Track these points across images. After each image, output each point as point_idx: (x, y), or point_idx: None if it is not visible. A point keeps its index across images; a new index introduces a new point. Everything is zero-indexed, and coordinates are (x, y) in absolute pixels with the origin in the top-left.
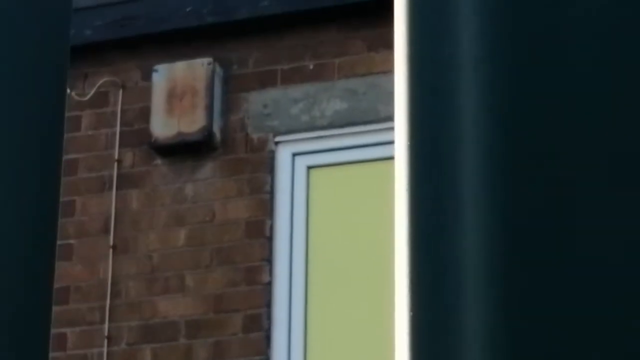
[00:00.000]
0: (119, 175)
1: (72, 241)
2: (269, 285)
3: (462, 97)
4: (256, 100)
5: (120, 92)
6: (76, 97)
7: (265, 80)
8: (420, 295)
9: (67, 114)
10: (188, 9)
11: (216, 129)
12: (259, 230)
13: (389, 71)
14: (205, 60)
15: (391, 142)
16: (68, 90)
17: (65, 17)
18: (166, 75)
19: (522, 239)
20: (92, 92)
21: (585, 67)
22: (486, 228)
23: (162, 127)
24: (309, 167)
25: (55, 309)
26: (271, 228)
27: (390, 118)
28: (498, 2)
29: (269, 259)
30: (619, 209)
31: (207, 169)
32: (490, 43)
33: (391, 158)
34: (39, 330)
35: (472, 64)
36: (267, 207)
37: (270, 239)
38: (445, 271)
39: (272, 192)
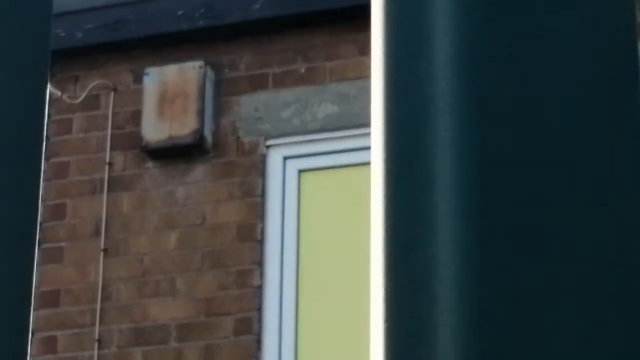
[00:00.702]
0: (110, 178)
1: (62, 244)
2: (259, 288)
3: (438, 104)
4: (247, 104)
5: (112, 95)
6: (67, 100)
7: (257, 84)
8: (394, 306)
9: (58, 117)
10: (179, 13)
11: (207, 132)
12: (250, 234)
13: None
14: (197, 63)
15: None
16: (59, 93)
17: (45, 16)
18: (157, 78)
19: (498, 249)
20: (84, 95)
21: (565, 81)
22: (461, 237)
23: (153, 130)
24: (300, 171)
25: (45, 312)
26: (262, 231)
27: None
28: (474, 7)
29: (259, 262)
30: (599, 214)
31: (198, 172)
32: (468, 47)
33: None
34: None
35: (449, 70)
36: (258, 211)
37: (261, 243)
38: (419, 281)
39: (263, 196)
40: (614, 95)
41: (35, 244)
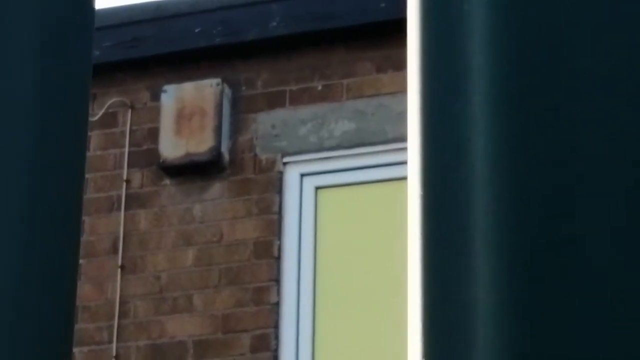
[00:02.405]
0: (127, 196)
1: (80, 261)
2: (276, 305)
3: (475, 119)
4: (264, 121)
5: (129, 112)
6: None
7: (274, 101)
8: (432, 340)
9: None
10: (197, 30)
11: (224, 149)
12: (267, 251)
13: (397, 92)
14: (214, 81)
15: (399, 163)
16: None
17: (87, 37)
18: (175, 95)
19: (535, 276)
20: (101, 112)
21: (594, 96)
22: (497, 271)
23: (170, 147)
24: (317, 188)
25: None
26: (279, 248)
27: (398, 139)
28: (510, 17)
29: (277, 279)
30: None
31: (216, 190)
32: (503, 64)
33: (399, 179)
34: (62, 348)
35: (485, 109)
36: (275, 228)
37: (278, 259)
38: (457, 316)
39: (280, 213)
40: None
41: (78, 257)
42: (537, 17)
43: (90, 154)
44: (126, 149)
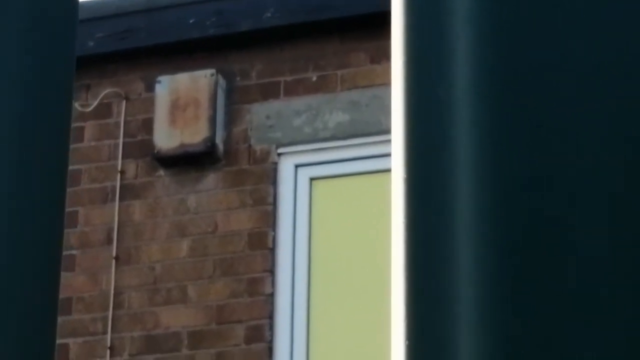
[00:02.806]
0: (121, 186)
1: (74, 252)
2: (271, 296)
3: (458, 110)
4: (259, 112)
5: (124, 103)
6: (79, 108)
7: (268, 92)
8: (416, 325)
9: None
10: (191, 21)
11: (219, 140)
12: (262, 242)
13: (391, 83)
14: (208, 71)
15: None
16: None
17: (70, 27)
18: (169, 86)
19: (519, 261)
20: (95, 103)
21: (581, 97)
22: (481, 256)
23: (165, 138)
24: (312, 179)
25: (58, 319)
26: (274, 239)
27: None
28: (493, 14)
29: (271, 270)
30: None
31: (210, 180)
32: (487, 53)
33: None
34: (45, 340)
35: (469, 77)
36: (269, 219)
37: (272, 250)
38: (440, 299)
39: (274, 204)
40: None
41: (61, 248)
42: (521, 0)
43: (84, 144)
44: (120, 140)
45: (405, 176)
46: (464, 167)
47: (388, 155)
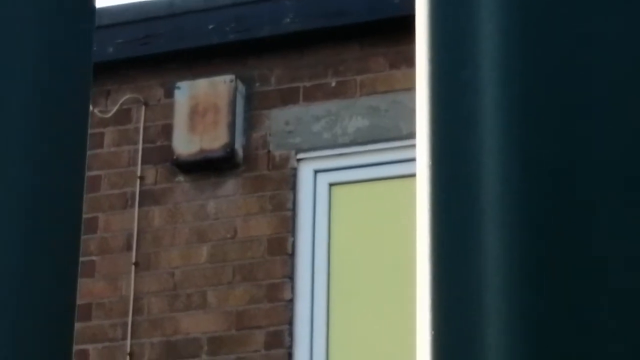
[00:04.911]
0: (141, 192)
1: (94, 258)
2: (290, 302)
3: (484, 112)
4: (278, 118)
5: (143, 109)
6: (99, 114)
7: (288, 98)
8: (442, 315)
9: (89, 131)
10: (210, 27)
11: (238, 146)
12: (281, 247)
13: (411, 88)
14: (228, 77)
15: (413, 160)
16: (91, 108)
17: (88, 33)
18: (188, 92)
19: (544, 256)
20: (115, 109)
21: (607, 81)
22: (508, 244)
23: (184, 144)
24: (331, 184)
25: (77, 325)
26: (293, 245)
27: (412, 135)
28: (520, 15)
29: (290, 276)
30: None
31: (229, 186)
32: (513, 30)
33: (413, 175)
34: (62, 345)
35: (494, 53)
36: (289, 224)
37: (292, 256)
38: (466, 290)
39: (294, 209)
40: None
41: (78, 255)
42: None
43: (104, 150)
44: (140, 146)
45: (430, 163)
46: (491, 152)
47: (407, 160)
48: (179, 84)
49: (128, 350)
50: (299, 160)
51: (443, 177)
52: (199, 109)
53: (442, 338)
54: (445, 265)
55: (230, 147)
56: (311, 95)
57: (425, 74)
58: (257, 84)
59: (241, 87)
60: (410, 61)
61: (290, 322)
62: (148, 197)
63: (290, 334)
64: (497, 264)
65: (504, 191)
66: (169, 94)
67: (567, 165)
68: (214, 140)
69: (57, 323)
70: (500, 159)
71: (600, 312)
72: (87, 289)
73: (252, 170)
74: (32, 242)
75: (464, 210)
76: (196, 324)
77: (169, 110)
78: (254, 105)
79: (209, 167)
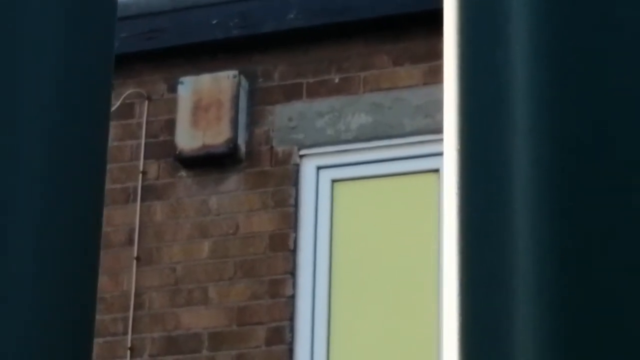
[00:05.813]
0: (143, 187)
1: None
2: (292, 298)
3: (515, 68)
4: (281, 113)
5: (146, 103)
6: None
7: (291, 94)
8: (470, 303)
9: None
10: (214, 22)
11: (241, 141)
12: (283, 243)
13: (415, 85)
14: (231, 73)
15: (416, 156)
16: None
17: (109, 26)
18: (192, 87)
19: (574, 248)
20: (118, 103)
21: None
22: (537, 237)
23: (187, 139)
24: (334, 181)
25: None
26: (295, 241)
27: (415, 132)
28: (550, 5)
29: (292, 272)
30: None
31: (232, 182)
32: (544, 11)
33: (416, 172)
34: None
35: (526, 69)
36: (291, 220)
37: (294, 252)
38: (495, 279)
39: (296, 205)
40: None
41: (99, 249)
42: None
43: None
44: (142, 141)
45: (458, 147)
46: (521, 133)
47: (410, 157)
48: (183, 79)
49: (129, 345)
50: (301, 156)
51: (471, 160)
52: (202, 104)
53: (469, 325)
54: (474, 251)
55: (233, 142)
56: (315, 92)
57: (454, 53)
58: (261, 80)
59: (244, 83)
60: (414, 58)
61: (291, 318)
62: (150, 192)
63: (292, 330)
64: (527, 248)
65: (534, 175)
66: (172, 88)
67: (601, 148)
68: (216, 135)
69: (78, 320)
70: (531, 141)
71: (635, 300)
72: None
73: (255, 165)
74: (52, 239)
75: (493, 193)
76: (197, 320)
77: (172, 105)
78: (257, 100)
79: (211, 163)
